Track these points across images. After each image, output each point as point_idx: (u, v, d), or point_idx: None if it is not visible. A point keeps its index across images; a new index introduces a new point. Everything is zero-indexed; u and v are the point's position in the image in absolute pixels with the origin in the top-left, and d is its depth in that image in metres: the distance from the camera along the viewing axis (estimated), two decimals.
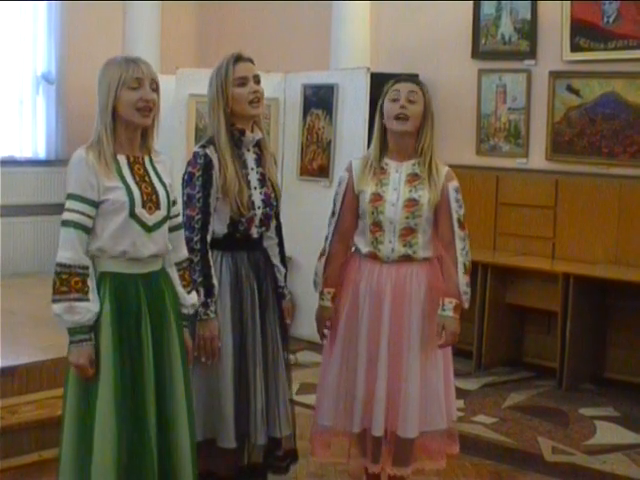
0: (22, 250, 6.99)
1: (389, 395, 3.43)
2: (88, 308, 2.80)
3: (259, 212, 3.41)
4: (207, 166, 3.31)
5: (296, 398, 4.91)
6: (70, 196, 2.85)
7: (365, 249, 3.50)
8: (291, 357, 5.76)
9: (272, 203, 3.46)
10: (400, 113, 3.41)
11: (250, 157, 3.44)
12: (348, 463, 3.73)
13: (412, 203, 3.43)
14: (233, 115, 3.38)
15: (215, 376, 3.35)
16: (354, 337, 3.50)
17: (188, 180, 3.31)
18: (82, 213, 2.83)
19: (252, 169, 3.44)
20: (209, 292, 3.28)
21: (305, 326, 6.21)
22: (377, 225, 3.45)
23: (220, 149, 3.34)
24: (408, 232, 3.45)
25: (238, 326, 3.38)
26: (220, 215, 3.36)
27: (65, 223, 2.84)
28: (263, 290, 3.45)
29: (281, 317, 3.56)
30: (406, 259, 3.47)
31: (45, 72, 7.08)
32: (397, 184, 3.46)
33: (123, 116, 2.89)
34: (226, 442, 3.35)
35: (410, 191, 3.44)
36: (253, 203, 3.39)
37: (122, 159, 2.91)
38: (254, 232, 3.43)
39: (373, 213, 3.45)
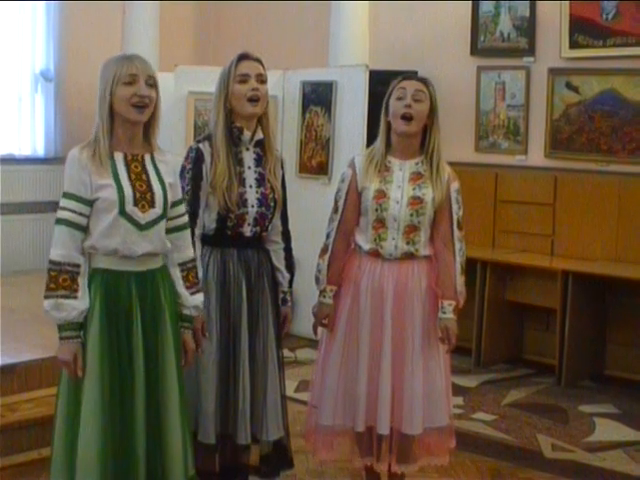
0: (22, 248, 6.98)
1: (393, 393, 3.42)
2: (74, 306, 2.82)
3: (252, 211, 3.41)
4: (197, 160, 3.35)
5: (295, 396, 4.94)
6: (64, 194, 2.88)
7: (367, 246, 3.49)
8: (290, 355, 5.87)
9: (269, 204, 3.46)
10: (406, 112, 3.39)
11: (249, 156, 3.45)
12: (352, 462, 3.70)
13: (416, 201, 3.43)
14: (234, 113, 3.40)
15: (197, 369, 3.35)
16: (355, 335, 3.48)
17: (180, 173, 3.34)
18: (75, 211, 2.85)
19: (249, 168, 3.44)
20: None
21: (305, 323, 6.17)
22: (380, 222, 3.44)
23: (215, 144, 3.37)
24: (412, 230, 3.44)
25: (224, 322, 3.38)
26: (210, 210, 3.38)
27: (58, 221, 2.87)
28: (254, 288, 3.44)
29: (278, 318, 3.56)
30: (408, 257, 3.47)
31: (44, 69, 7.07)
32: (401, 182, 3.45)
33: (119, 112, 2.89)
34: (205, 437, 3.36)
35: (414, 189, 3.44)
36: (246, 201, 3.39)
37: (119, 157, 2.91)
38: (247, 230, 3.43)
39: (377, 210, 3.43)
